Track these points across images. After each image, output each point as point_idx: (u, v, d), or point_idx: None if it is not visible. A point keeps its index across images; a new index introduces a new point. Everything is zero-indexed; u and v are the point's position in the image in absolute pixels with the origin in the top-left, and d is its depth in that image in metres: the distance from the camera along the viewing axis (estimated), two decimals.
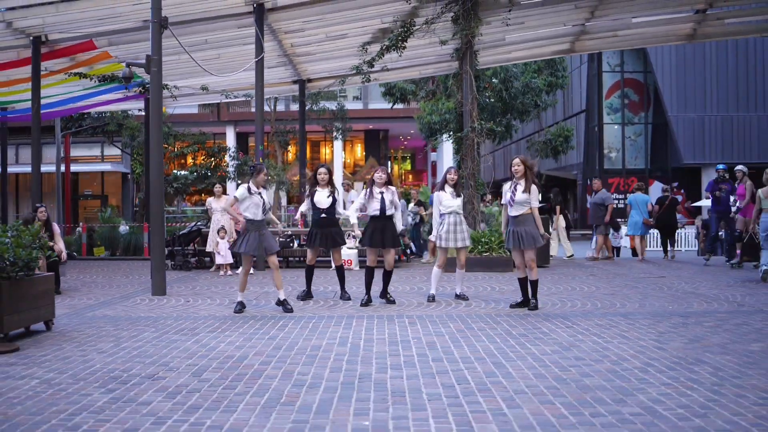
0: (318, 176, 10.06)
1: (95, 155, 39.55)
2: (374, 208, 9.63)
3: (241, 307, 9.10)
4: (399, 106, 36.83)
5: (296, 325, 8.03)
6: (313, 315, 8.80)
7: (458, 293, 10.15)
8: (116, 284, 12.87)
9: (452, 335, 7.27)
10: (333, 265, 11.53)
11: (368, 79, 17.90)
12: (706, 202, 37.29)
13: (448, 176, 9.94)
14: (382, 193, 9.67)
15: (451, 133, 20.03)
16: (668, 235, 18.66)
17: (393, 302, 9.77)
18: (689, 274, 13.82)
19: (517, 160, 8.98)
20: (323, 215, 9.95)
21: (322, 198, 9.96)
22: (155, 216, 11.12)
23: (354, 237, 15.97)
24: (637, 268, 15.20)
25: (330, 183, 10.11)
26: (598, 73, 42.87)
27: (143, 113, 27.98)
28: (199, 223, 16.17)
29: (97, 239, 22.18)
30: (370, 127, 41.38)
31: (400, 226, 9.91)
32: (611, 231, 20.85)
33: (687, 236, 32.97)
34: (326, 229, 9.98)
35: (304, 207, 10.70)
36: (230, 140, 39.56)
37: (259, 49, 15.17)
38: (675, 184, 42.72)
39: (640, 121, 43.45)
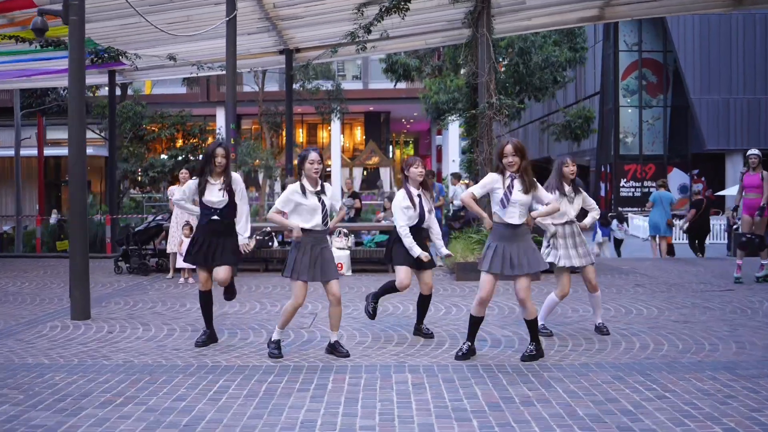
0: (215, 159, 6.84)
1: None
2: (410, 216, 6.98)
3: (277, 349, 6.36)
4: (402, 86, 34.18)
5: (258, 385, 5.38)
6: (276, 366, 6.14)
7: (598, 324, 7.34)
8: (41, 297, 10.18)
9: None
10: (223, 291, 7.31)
11: (364, 47, 15.16)
12: (730, 191, 34.64)
13: (565, 169, 7.16)
14: (420, 195, 7.03)
15: (462, 113, 17.22)
16: (700, 240, 17.21)
17: (431, 335, 7.17)
18: (750, 281, 11.13)
19: (509, 148, 6.01)
20: (214, 218, 6.84)
21: (213, 193, 6.83)
22: (76, 212, 8.40)
23: (345, 235, 13.29)
24: (685, 273, 12.52)
25: (225, 172, 6.86)
26: (614, 53, 40.08)
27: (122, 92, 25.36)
28: (158, 218, 13.47)
29: (68, 231, 19.62)
30: (371, 108, 38.64)
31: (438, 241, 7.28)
32: (615, 223, 18.88)
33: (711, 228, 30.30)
34: (215, 239, 6.82)
35: (178, 194, 7.37)
36: (220, 123, 36.86)
37: (231, 6, 12.44)
38: (695, 172, 40.10)
39: (659, 104, 40.72)
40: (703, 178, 39.64)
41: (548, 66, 21.44)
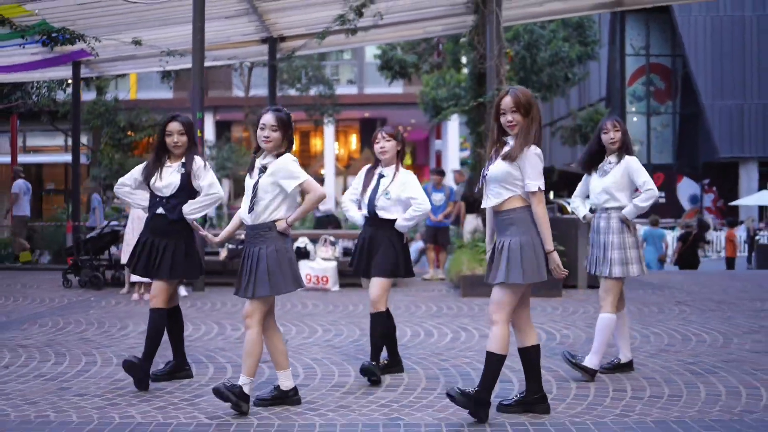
0: (168, 137, 5.07)
1: (58, 145, 35.17)
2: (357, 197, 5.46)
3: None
4: (398, 90, 32.44)
5: None
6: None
7: (623, 361, 5.39)
8: None
9: None
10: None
11: (355, 32, 13.36)
12: (745, 201, 32.80)
13: (604, 136, 5.31)
14: (382, 175, 5.38)
15: (464, 108, 15.40)
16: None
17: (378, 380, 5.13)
18: None
19: (508, 101, 4.16)
20: (159, 211, 5.07)
21: (164, 177, 5.06)
22: None
23: (332, 243, 11.42)
24: (730, 288, 10.68)
25: (186, 154, 5.10)
26: (621, 57, 38.47)
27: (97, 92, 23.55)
28: (113, 222, 11.60)
29: (37, 241, 17.87)
30: (366, 115, 36.84)
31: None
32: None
33: (720, 239, 28.49)
34: (157, 241, 5.04)
35: (120, 180, 5.37)
36: (208, 129, 35.07)
37: None
38: (706, 182, 38.30)
39: (667, 111, 39.12)
40: (714, 188, 37.91)
41: (558, 62, 19.68)
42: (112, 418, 4.21)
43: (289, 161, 4.39)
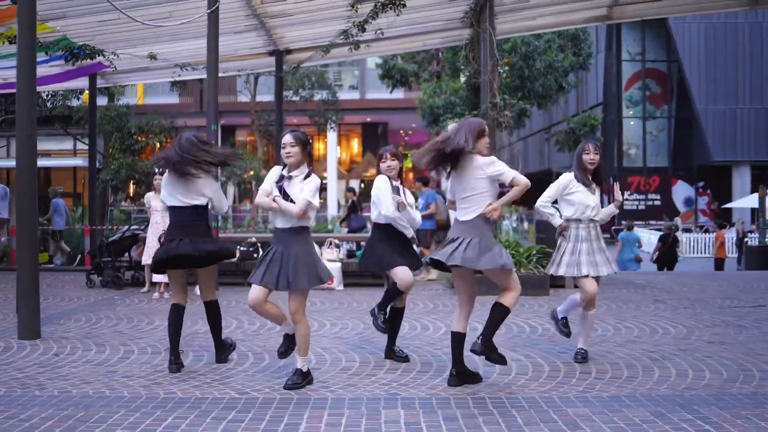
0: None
1: (67, 149, 35.95)
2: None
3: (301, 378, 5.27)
4: (400, 95, 33.22)
5: None
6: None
7: (580, 349, 6.16)
8: None
9: None
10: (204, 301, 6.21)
11: (357, 46, 14.17)
12: (738, 204, 33.58)
13: (585, 156, 6.04)
14: (399, 188, 6.15)
15: (460, 117, 16.22)
16: (669, 269, 18.67)
17: (406, 359, 6.15)
18: None
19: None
20: (181, 213, 5.82)
21: (169, 185, 5.83)
22: (24, 224, 7.35)
23: (337, 246, 12.26)
24: (707, 288, 11.50)
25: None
26: (617, 63, 39.26)
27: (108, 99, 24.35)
28: (133, 227, 12.46)
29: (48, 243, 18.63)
30: (368, 119, 37.65)
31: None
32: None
33: (709, 241, 29.34)
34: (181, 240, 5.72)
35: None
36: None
37: None
38: (701, 185, 39.09)
39: (663, 115, 39.88)
40: (708, 191, 38.69)
41: (552, 72, 20.49)
42: (158, 394, 5.05)
43: (313, 184, 5.22)
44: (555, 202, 6.18)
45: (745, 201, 32.78)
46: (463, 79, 20.77)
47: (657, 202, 38.85)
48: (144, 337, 7.31)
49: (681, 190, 39.19)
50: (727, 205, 34.21)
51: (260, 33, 15.41)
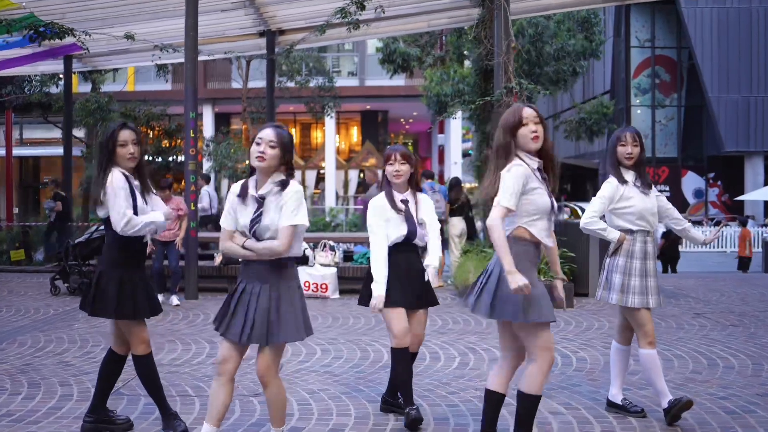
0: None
1: (56, 137, 34.67)
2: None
3: None
4: (400, 82, 31.88)
5: None
6: None
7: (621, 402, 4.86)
8: None
9: None
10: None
11: (357, 26, 12.82)
12: (751, 196, 32.22)
13: (620, 149, 4.74)
14: (407, 201, 4.67)
15: (469, 104, 14.87)
16: (672, 265, 18.12)
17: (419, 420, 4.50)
18: None
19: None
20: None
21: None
22: None
23: (331, 248, 10.94)
24: (747, 296, 10.21)
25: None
26: (626, 49, 37.91)
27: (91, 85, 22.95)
28: (101, 227, 11.13)
29: (32, 238, 17.36)
30: (368, 107, 36.26)
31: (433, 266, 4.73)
32: None
33: (732, 236, 27.92)
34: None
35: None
36: (207, 122, 34.56)
37: None
38: (711, 176, 37.76)
39: (672, 104, 38.54)
40: (719, 182, 37.39)
41: (564, 56, 19.14)
42: None
43: (294, 198, 3.76)
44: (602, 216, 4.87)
45: (758, 193, 31.47)
46: (467, 64, 19.47)
47: (666, 194, 37.50)
48: (92, 371, 5.99)
49: (691, 181, 37.93)
50: (739, 198, 32.88)
51: (249, 11, 14.06)
